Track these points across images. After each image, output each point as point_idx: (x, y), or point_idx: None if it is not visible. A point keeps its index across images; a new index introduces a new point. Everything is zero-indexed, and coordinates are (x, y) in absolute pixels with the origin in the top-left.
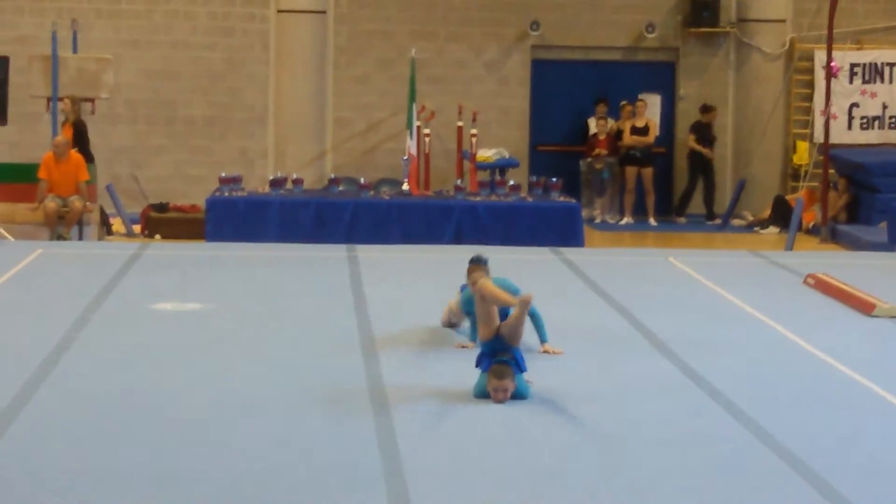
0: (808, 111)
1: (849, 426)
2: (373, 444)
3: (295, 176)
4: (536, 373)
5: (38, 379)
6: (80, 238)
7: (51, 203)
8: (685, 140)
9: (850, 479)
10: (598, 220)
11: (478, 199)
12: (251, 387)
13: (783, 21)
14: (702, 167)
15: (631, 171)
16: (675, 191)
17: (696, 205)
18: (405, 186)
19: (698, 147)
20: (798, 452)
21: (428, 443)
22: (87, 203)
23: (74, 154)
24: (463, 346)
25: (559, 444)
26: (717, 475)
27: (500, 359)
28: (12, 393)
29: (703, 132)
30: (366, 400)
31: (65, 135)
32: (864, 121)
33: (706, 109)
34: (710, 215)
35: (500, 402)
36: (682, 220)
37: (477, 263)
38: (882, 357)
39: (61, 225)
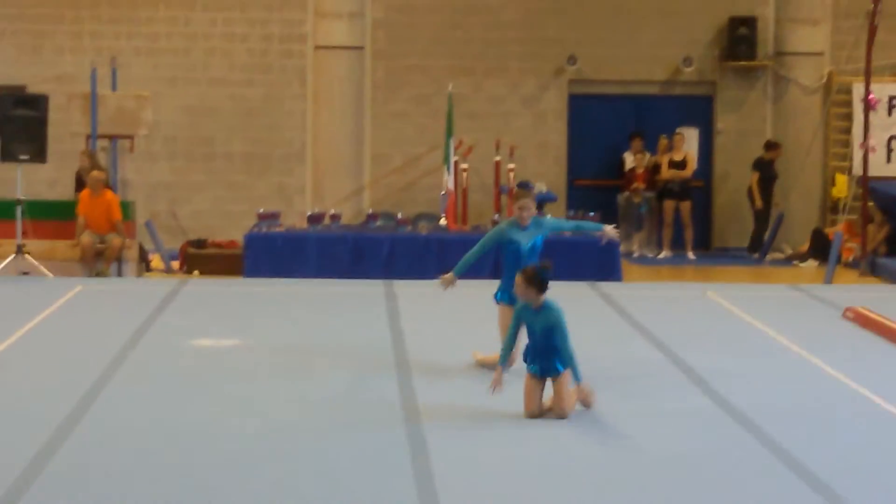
0: (847, 144)
1: (889, 461)
2: (409, 477)
3: (333, 211)
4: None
5: (79, 413)
6: (119, 274)
7: (86, 238)
8: (724, 173)
9: None
10: (636, 255)
11: None
12: (288, 422)
13: (821, 54)
14: (756, 206)
15: (669, 204)
16: (714, 224)
17: (735, 238)
18: (443, 221)
19: (756, 191)
20: (839, 489)
21: (463, 477)
22: (126, 239)
23: (108, 192)
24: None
25: (594, 478)
26: None
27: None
28: (53, 427)
29: (766, 170)
30: (403, 436)
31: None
32: None
33: (771, 147)
34: (754, 248)
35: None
36: (779, 254)
37: (523, 188)
38: None
39: (100, 261)
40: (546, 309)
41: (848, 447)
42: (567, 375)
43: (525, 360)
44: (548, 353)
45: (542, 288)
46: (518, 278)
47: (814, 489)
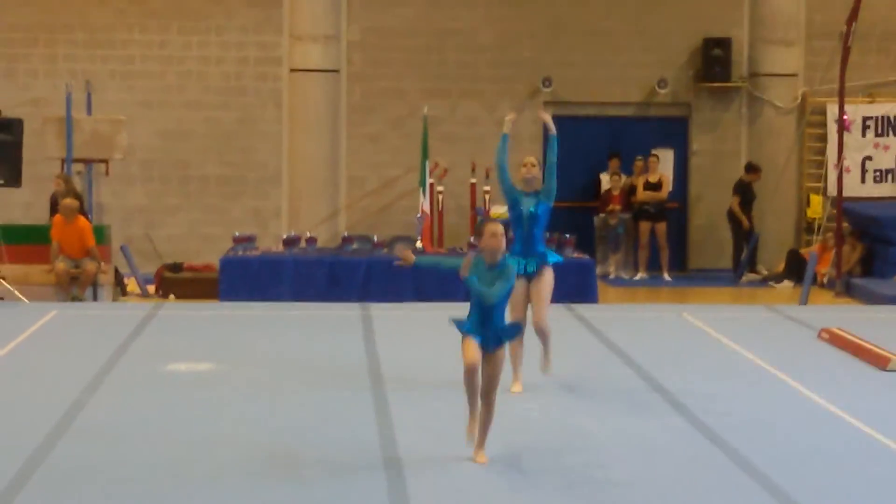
0: (821, 164)
1: (862, 481)
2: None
3: (308, 234)
4: (548, 428)
5: (53, 439)
6: (95, 299)
7: (60, 264)
8: (699, 194)
9: None
10: (612, 276)
11: None
12: (263, 449)
13: (795, 75)
14: (742, 227)
15: (645, 226)
16: (690, 246)
17: (711, 259)
18: (419, 244)
19: (740, 214)
20: None
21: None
22: (102, 264)
23: (81, 219)
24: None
25: (569, 499)
26: None
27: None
28: (27, 453)
29: (747, 192)
30: (379, 461)
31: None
32: (878, 174)
33: (752, 169)
34: (741, 270)
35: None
36: (755, 276)
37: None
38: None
39: (75, 286)
40: (504, 264)
41: (822, 467)
42: (504, 349)
43: (466, 330)
44: (494, 318)
45: None
46: (496, 228)
47: None
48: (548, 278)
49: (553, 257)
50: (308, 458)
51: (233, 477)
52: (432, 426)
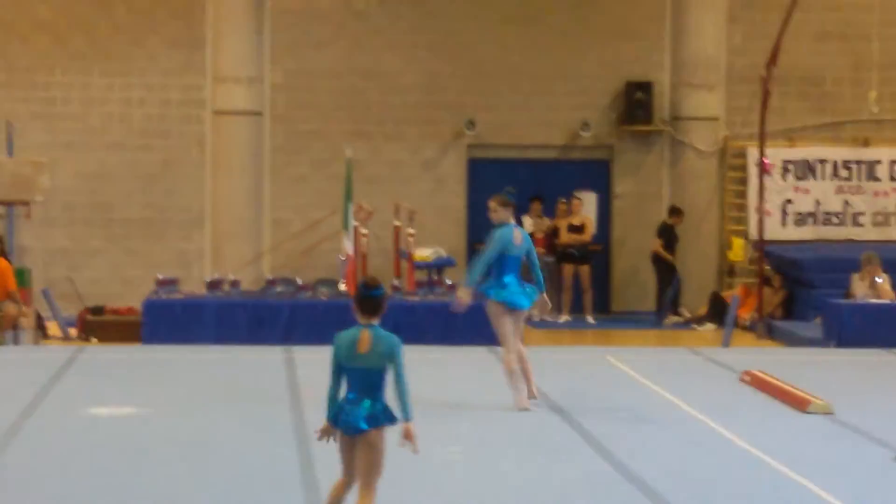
0: (743, 208)
1: None
2: None
3: (232, 277)
4: (470, 471)
5: None
6: (16, 342)
7: None
8: (622, 237)
9: None
10: (536, 319)
11: (415, 298)
12: (186, 494)
13: (716, 119)
14: (667, 269)
15: (568, 268)
16: (613, 288)
17: (635, 301)
18: (343, 287)
19: (665, 254)
20: None
21: None
22: (23, 307)
23: (2, 261)
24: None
25: None
26: None
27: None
28: None
29: (670, 235)
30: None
31: None
32: (798, 217)
33: (675, 212)
34: (664, 312)
35: None
36: (678, 318)
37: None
38: (816, 454)
39: None
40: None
41: None
42: (383, 430)
43: (336, 418)
44: (373, 393)
45: None
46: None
47: None
48: None
49: None
50: None
51: None
52: None
